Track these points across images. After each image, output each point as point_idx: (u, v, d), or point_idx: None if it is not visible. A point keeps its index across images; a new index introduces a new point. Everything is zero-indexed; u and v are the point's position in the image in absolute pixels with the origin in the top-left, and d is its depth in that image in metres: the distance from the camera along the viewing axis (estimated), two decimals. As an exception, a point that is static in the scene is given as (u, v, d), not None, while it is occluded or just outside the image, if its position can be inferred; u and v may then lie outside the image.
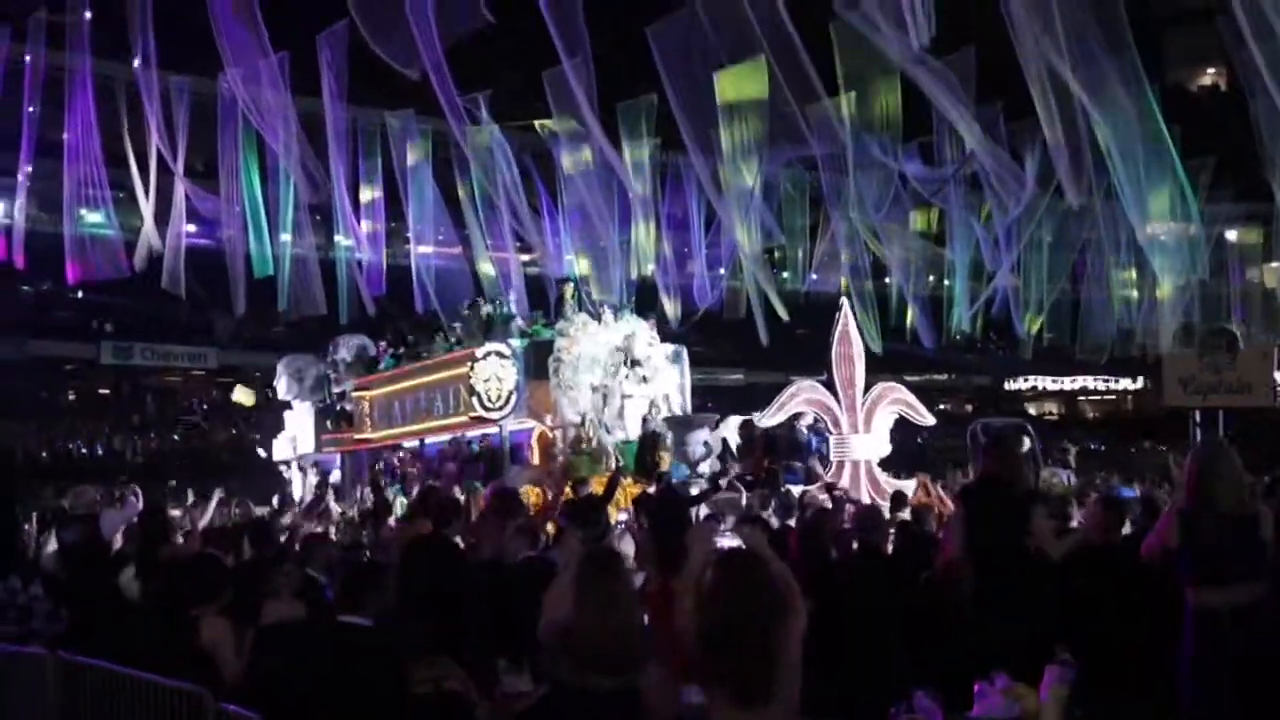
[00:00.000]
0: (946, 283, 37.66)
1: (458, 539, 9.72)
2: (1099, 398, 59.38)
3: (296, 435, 28.68)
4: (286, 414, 29.41)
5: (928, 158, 32.41)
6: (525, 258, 36.92)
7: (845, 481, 17.07)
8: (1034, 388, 56.99)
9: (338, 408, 27.30)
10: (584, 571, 4.96)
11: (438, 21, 25.78)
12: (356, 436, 26.14)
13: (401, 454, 24.60)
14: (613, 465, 19.01)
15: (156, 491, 23.88)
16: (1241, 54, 25.84)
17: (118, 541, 11.12)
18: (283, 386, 28.46)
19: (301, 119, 30.36)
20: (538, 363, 21.40)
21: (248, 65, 28.75)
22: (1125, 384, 55.37)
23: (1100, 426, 55.47)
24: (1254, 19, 24.18)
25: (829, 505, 13.28)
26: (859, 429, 18.00)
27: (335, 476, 26.55)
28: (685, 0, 26.48)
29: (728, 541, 5.85)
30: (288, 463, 28.43)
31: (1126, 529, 8.04)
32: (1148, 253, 34.25)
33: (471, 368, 21.26)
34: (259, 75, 29.08)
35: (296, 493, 24.90)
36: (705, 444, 20.03)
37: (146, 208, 32.00)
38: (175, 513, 16.30)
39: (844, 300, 21.17)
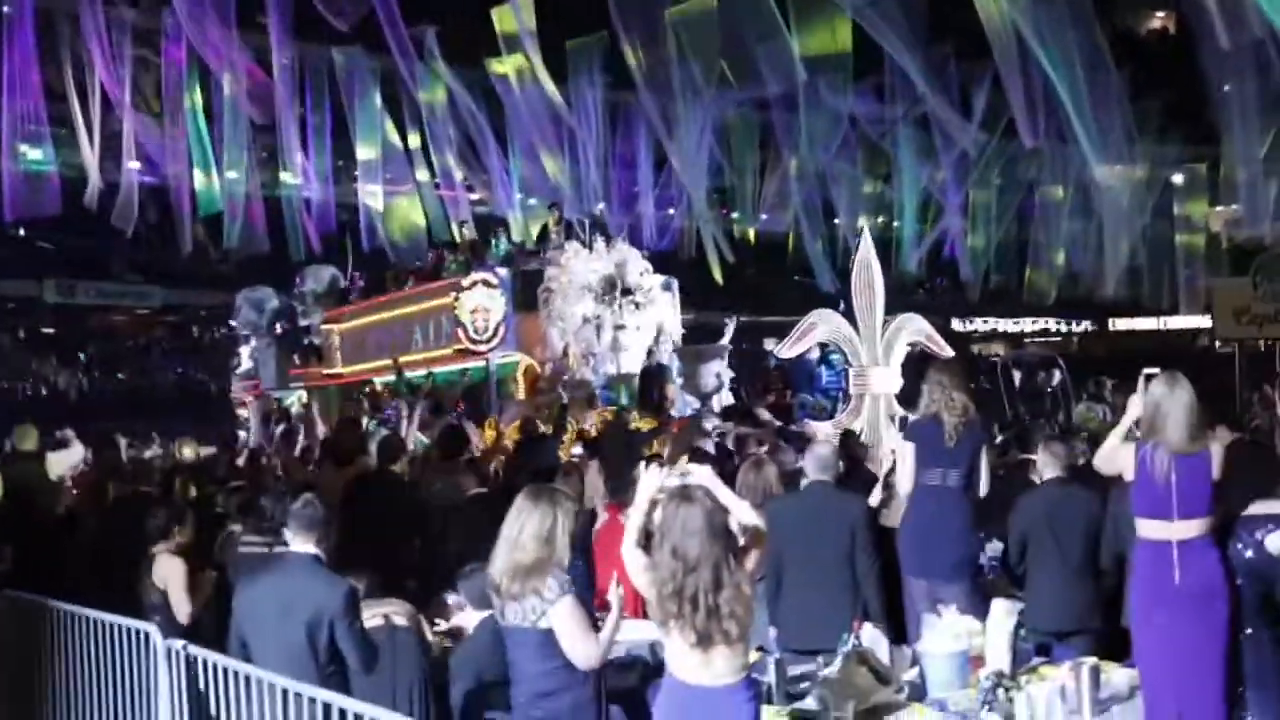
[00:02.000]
0: (895, 224, 37.77)
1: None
2: (1047, 339, 59.98)
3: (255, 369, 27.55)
4: (243, 349, 28.36)
5: (879, 98, 32.42)
6: (473, 196, 36.69)
7: (864, 416, 16.01)
8: (982, 330, 57.44)
9: (305, 341, 26.13)
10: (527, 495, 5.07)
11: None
12: (325, 371, 24.91)
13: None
14: (596, 402, 18.06)
15: (100, 431, 23.63)
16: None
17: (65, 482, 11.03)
18: (242, 319, 27.54)
19: (249, 55, 30.00)
20: (525, 293, 20.30)
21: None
22: (1071, 326, 55.85)
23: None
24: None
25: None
26: (879, 361, 16.82)
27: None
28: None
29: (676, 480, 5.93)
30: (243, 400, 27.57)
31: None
32: (1094, 195, 34.55)
33: (457, 298, 20.19)
34: (204, 9, 28.65)
35: (253, 430, 23.78)
36: (717, 375, 19.48)
37: (90, 144, 31.46)
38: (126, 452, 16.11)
39: (863, 225, 20.06)
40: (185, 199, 31.77)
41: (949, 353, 17.71)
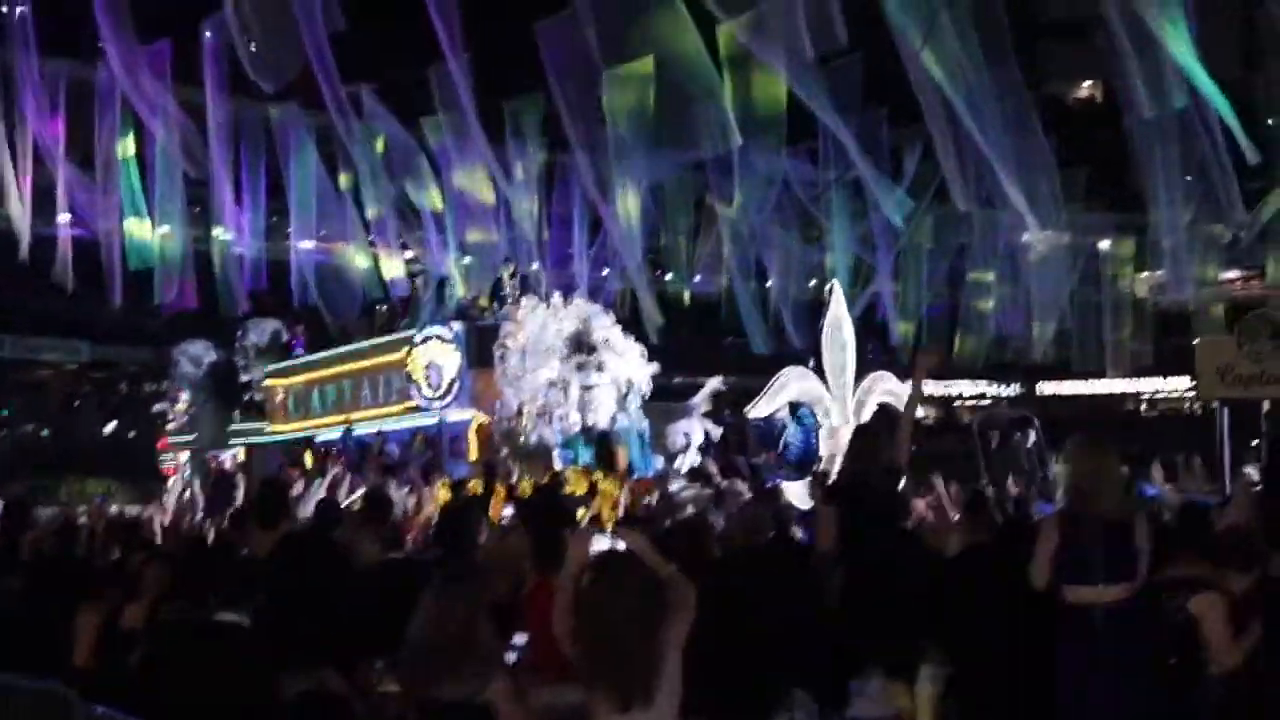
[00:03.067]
0: (827, 287, 38.00)
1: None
2: (975, 402, 60.50)
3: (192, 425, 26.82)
4: (178, 404, 27.64)
5: (812, 161, 32.72)
6: (408, 255, 36.58)
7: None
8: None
9: (246, 397, 25.45)
10: (433, 585, 4.97)
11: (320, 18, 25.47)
12: (269, 428, 24.29)
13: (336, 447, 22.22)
14: (553, 463, 17.52)
15: (22, 488, 23.16)
16: (1117, 67, 26.52)
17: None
18: (179, 373, 26.97)
19: (183, 108, 29.79)
20: (480, 349, 19.58)
21: (127, 52, 28.15)
22: (1000, 389, 56.38)
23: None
24: (1129, 33, 24.82)
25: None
26: (849, 419, 16.54)
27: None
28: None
29: (606, 544, 5.91)
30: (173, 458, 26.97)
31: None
32: (1022, 260, 35.03)
33: (409, 353, 19.82)
34: (139, 63, 28.50)
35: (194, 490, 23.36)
36: (685, 435, 19.03)
37: (21, 198, 31.02)
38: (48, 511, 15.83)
39: (834, 283, 19.60)
40: (116, 253, 31.42)
41: (920, 415, 17.45)
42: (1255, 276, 40.49)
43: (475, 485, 15.10)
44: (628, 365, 19.49)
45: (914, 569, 7.46)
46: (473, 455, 18.86)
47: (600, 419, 18.68)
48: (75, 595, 7.12)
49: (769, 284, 36.98)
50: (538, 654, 6.12)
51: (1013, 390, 55.99)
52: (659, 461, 18.77)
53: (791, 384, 16.72)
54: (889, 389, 17.25)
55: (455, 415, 19.67)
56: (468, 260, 33.16)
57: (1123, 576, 5.91)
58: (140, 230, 31.57)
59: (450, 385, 19.50)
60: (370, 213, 34.16)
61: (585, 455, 17.94)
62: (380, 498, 10.69)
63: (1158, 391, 41.60)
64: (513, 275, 21.77)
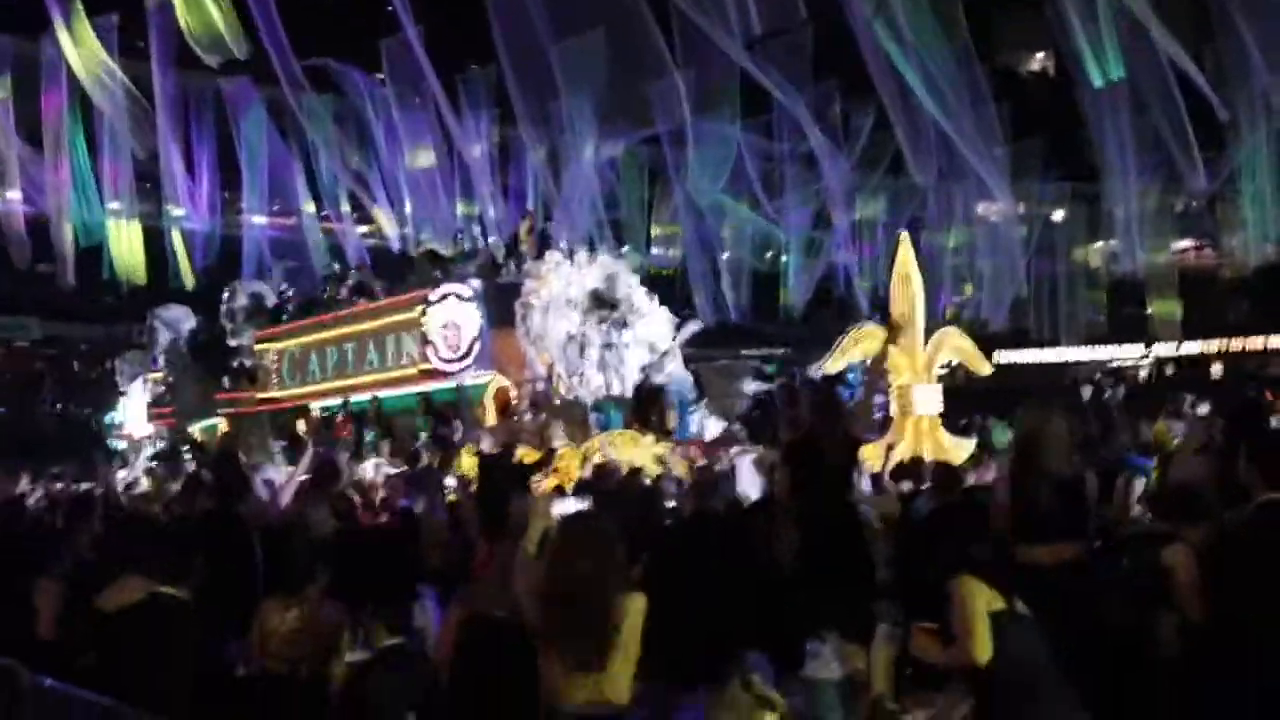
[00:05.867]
0: (783, 258, 38.06)
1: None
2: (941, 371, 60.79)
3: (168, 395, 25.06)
4: (136, 380, 26.33)
5: (765, 133, 32.72)
6: (363, 229, 36.39)
7: (907, 439, 14.33)
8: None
9: (234, 364, 23.63)
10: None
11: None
12: (260, 395, 22.42)
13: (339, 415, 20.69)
14: (589, 425, 16.57)
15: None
16: (1068, 39, 26.66)
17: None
18: (157, 341, 25.47)
19: (133, 83, 29.45)
20: (500, 308, 18.33)
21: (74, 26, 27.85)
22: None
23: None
24: (1079, 5, 24.95)
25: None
26: (920, 377, 15.39)
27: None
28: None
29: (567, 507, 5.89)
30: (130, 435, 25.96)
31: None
32: (978, 231, 35.24)
33: (424, 313, 18.35)
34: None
35: (133, 469, 21.93)
36: (750, 395, 18.25)
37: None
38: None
39: (903, 233, 17.75)
40: (65, 230, 31.08)
41: (987, 369, 17.08)
42: (1207, 245, 40.91)
43: (526, 454, 14.01)
44: (652, 325, 18.59)
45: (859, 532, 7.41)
46: (489, 420, 17.43)
47: (627, 380, 17.79)
48: (28, 568, 7.02)
49: (724, 255, 36.95)
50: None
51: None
52: (714, 423, 17.69)
53: (862, 341, 15.32)
54: (958, 345, 16.38)
55: (473, 379, 18.26)
56: (423, 235, 33.01)
57: (1072, 534, 5.94)
58: (89, 207, 31.23)
59: (470, 346, 18.23)
60: (324, 186, 33.97)
61: (616, 419, 17.01)
62: (333, 467, 10.56)
63: (1113, 359, 41.96)
64: (530, 231, 20.53)
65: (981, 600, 4.72)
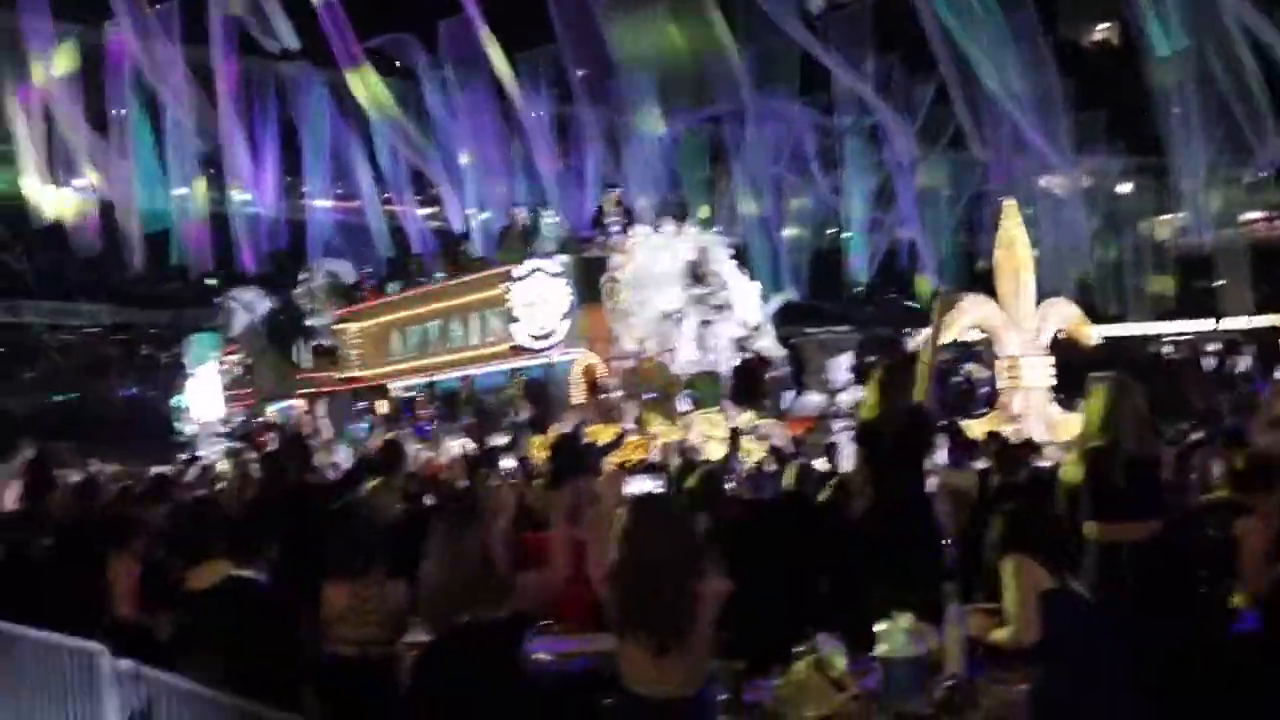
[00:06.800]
0: (845, 235, 37.87)
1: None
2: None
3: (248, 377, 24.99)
4: (202, 368, 26.22)
5: (827, 110, 32.54)
6: (425, 211, 36.52)
7: (1016, 412, 13.97)
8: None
9: (313, 344, 23.54)
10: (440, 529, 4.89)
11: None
12: (339, 375, 22.25)
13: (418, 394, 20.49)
14: (686, 401, 16.33)
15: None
16: (1133, 10, 26.26)
17: (9, 498, 10.88)
18: (234, 323, 25.30)
19: (194, 70, 29.69)
20: (587, 283, 17.75)
21: (137, 14, 28.05)
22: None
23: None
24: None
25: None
26: (1030, 350, 14.89)
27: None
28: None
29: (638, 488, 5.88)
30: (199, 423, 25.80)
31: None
32: (1041, 205, 34.83)
33: (509, 289, 17.88)
34: (147, 25, 28.40)
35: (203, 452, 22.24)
36: (850, 370, 17.59)
37: (39, 164, 30.96)
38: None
39: (1010, 201, 17.20)
40: (133, 217, 31.40)
41: (1094, 340, 16.40)
42: (1278, 217, 40.27)
43: (598, 432, 14.13)
44: (744, 301, 18.12)
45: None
46: (577, 399, 17.29)
47: (720, 358, 17.40)
48: (104, 549, 7.11)
49: (784, 232, 36.76)
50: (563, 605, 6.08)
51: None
52: (814, 398, 17.47)
53: (970, 311, 14.97)
54: (1066, 314, 15.96)
55: (561, 356, 17.87)
56: (485, 215, 33.05)
57: (1149, 513, 5.88)
58: (155, 194, 31.53)
59: (559, 322, 17.71)
60: (385, 169, 34.12)
61: (712, 398, 16.78)
62: (395, 448, 10.59)
63: (1181, 334, 41.38)
64: (617, 203, 19.86)
65: (1030, 580, 4.68)
